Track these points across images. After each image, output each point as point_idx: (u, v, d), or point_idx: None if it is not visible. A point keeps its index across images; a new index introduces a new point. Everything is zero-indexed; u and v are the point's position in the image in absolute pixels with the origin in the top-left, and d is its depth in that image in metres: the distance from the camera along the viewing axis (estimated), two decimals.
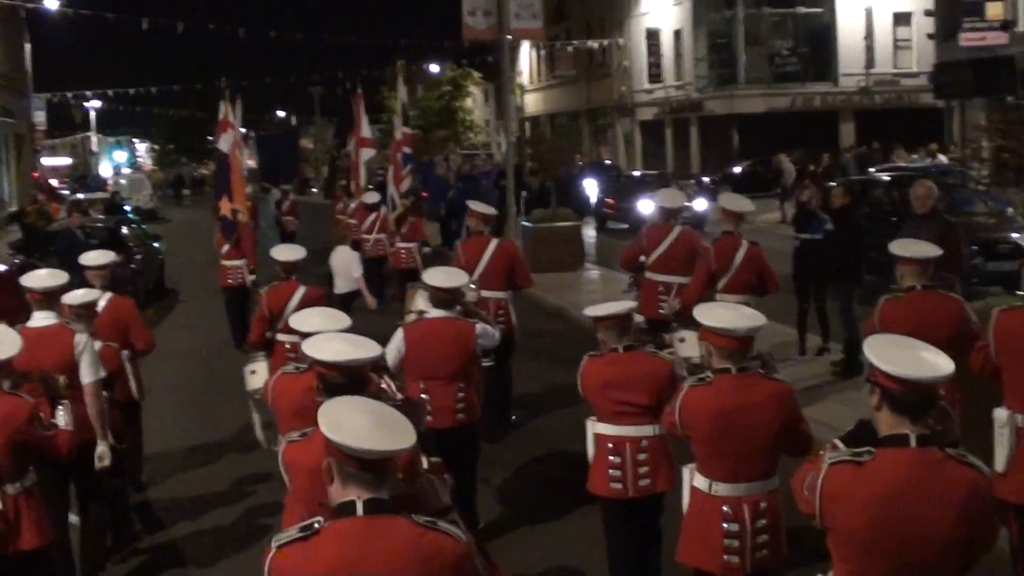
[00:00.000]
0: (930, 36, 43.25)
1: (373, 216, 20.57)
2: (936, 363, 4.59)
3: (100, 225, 24.11)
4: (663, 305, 12.44)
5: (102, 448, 8.69)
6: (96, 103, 79.56)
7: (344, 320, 6.80)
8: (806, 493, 4.72)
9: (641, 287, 13.01)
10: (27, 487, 7.14)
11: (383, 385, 6.73)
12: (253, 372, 9.89)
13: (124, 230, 24.49)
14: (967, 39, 36.78)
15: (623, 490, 7.40)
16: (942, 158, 34.34)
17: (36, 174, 64.79)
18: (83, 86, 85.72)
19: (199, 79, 62.26)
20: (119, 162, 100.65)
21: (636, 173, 43.21)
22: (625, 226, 33.44)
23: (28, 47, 60.11)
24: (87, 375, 8.58)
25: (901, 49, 53.76)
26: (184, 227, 41.14)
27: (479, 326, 9.06)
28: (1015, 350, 7.16)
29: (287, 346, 10.95)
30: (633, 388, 7.31)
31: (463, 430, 9.00)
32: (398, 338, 8.96)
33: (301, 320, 6.73)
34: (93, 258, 11.12)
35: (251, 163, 31.42)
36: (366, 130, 22.61)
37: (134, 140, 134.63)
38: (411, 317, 10.06)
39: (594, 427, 7.61)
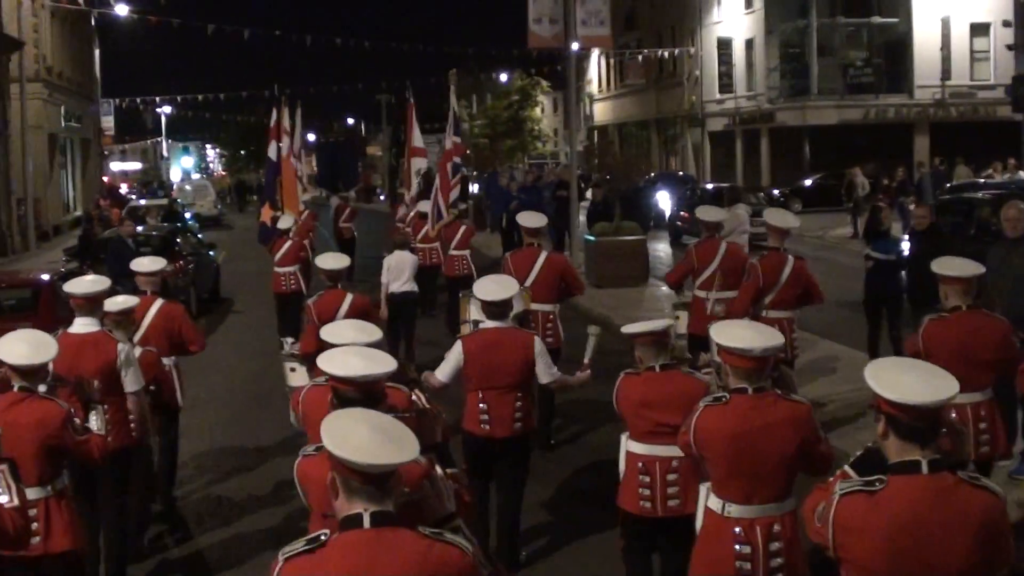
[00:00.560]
0: (1009, 47, 42.83)
1: (428, 226, 20.68)
2: (940, 385, 4.55)
3: (153, 233, 24.31)
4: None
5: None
6: (167, 108, 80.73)
7: (375, 333, 6.83)
8: (818, 524, 4.69)
9: (691, 304, 13.01)
10: (59, 490, 7.30)
11: (413, 398, 6.76)
12: (293, 370, 10.02)
13: (179, 239, 24.49)
14: None
15: (652, 509, 7.43)
16: (1022, 174, 33.85)
17: (107, 179, 66.03)
18: (153, 92, 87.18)
19: (266, 85, 63.02)
20: (187, 167, 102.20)
21: (710, 186, 42.49)
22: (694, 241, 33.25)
23: (97, 53, 61.13)
24: (131, 384, 8.78)
25: (978, 60, 53.19)
26: (246, 234, 41.53)
27: (541, 351, 9.05)
28: None
29: None
30: (668, 408, 7.29)
31: (520, 439, 9.07)
32: (457, 349, 9.04)
33: (332, 332, 6.73)
34: (144, 264, 11.41)
35: (310, 170, 31.66)
36: (418, 139, 22.74)
37: (205, 145, 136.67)
38: (466, 328, 10.16)
39: (627, 444, 7.65)
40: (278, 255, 18.82)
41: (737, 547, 6.10)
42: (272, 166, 21.05)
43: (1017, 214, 11.13)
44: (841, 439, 10.88)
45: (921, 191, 34.17)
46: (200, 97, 67.98)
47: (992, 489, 4.54)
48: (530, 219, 13.03)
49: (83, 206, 48.56)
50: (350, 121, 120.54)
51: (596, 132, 77.01)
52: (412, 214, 22.10)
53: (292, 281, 18.18)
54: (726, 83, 59.65)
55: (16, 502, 6.67)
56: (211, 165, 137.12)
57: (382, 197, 63.18)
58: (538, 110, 76.77)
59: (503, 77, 75.14)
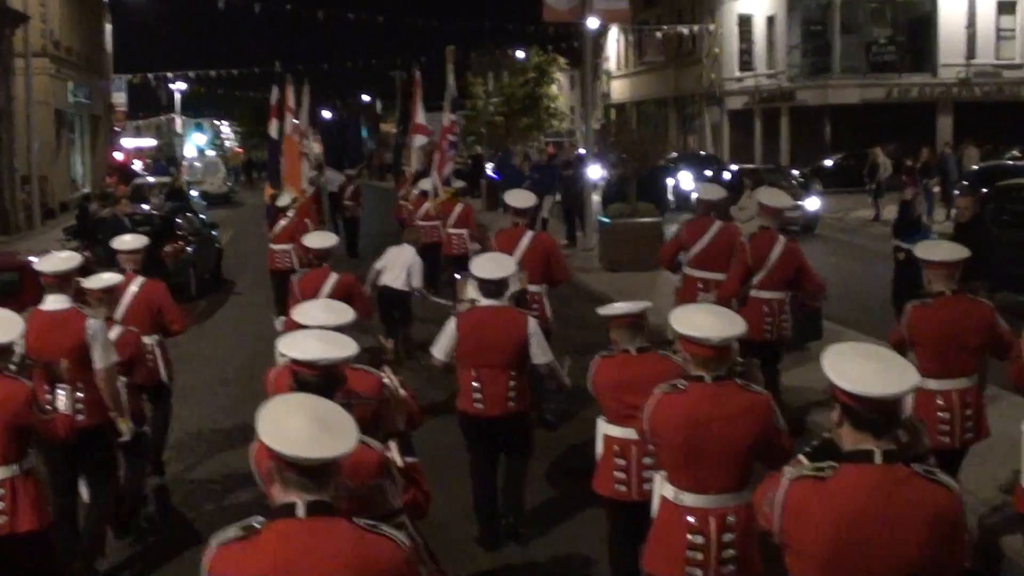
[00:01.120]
0: None
1: (426, 204, 20.78)
2: (898, 377, 4.48)
3: (154, 213, 24.25)
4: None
5: (123, 425, 8.97)
6: (181, 85, 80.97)
7: (346, 314, 6.82)
8: (766, 509, 4.66)
9: (680, 283, 12.99)
10: (26, 470, 7.35)
11: (385, 380, 6.75)
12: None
13: (179, 218, 24.32)
14: None
15: (627, 492, 7.46)
16: None
17: (121, 155, 66.17)
18: (166, 68, 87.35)
19: (279, 61, 63.14)
20: (200, 144, 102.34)
21: (735, 167, 41.44)
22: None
23: (108, 28, 61.17)
24: (99, 360, 8.77)
25: (1004, 39, 52.83)
26: (255, 212, 41.58)
27: (534, 330, 9.08)
28: None
29: None
30: (643, 391, 7.18)
31: (514, 418, 9.12)
32: (451, 326, 9.16)
33: (302, 313, 6.74)
34: (126, 242, 11.45)
35: (317, 148, 31.61)
36: (421, 116, 22.72)
37: (218, 122, 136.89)
38: (463, 306, 10.20)
39: (603, 428, 7.68)
40: (274, 232, 19.01)
41: (689, 536, 6.06)
42: (273, 145, 21.10)
43: None
44: None
45: (945, 172, 33.93)
46: (213, 73, 68.21)
47: (948, 485, 4.47)
48: (517, 198, 13.07)
49: (92, 183, 48.63)
50: (365, 98, 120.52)
51: (613, 110, 76.83)
52: (417, 192, 22.15)
53: (287, 259, 18.21)
54: (746, 61, 59.46)
55: None
56: (227, 142, 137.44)
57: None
58: (554, 87, 76.55)
59: (520, 54, 74.90)
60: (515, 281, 10.14)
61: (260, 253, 20.81)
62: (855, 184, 40.77)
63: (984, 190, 19.09)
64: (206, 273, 24.16)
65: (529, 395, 9.35)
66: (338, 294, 11.55)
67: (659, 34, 64.78)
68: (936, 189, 33.07)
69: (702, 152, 54.86)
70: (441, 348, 9.19)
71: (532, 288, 12.27)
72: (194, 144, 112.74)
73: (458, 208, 19.99)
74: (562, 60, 72.92)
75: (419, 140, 22.34)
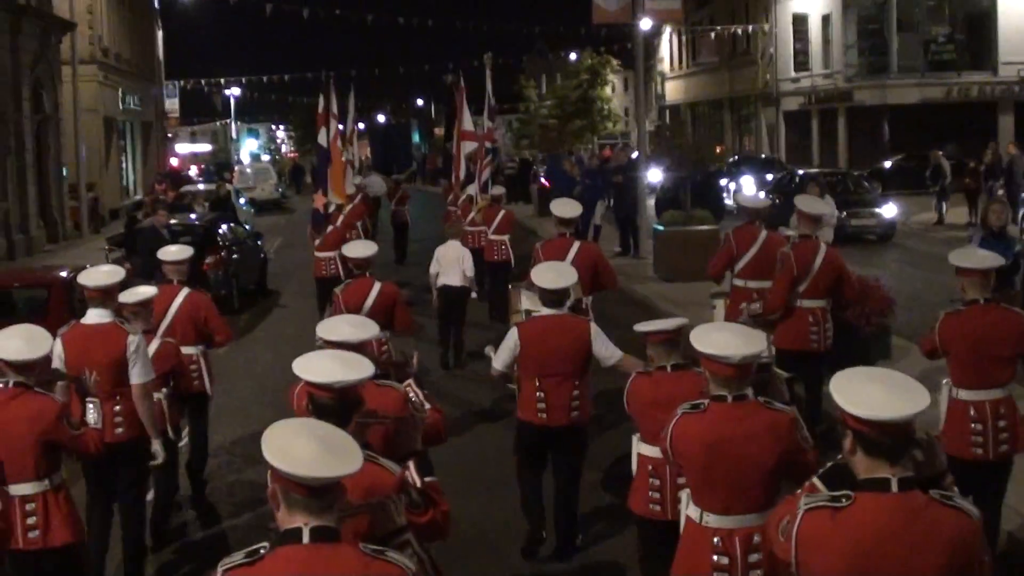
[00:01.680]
0: None
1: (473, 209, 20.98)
2: (909, 399, 4.39)
3: (195, 222, 23.88)
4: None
5: (156, 446, 9.01)
6: (236, 90, 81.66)
7: (371, 328, 6.82)
8: (781, 539, 4.59)
9: (730, 294, 12.89)
10: (56, 484, 7.42)
11: (411, 394, 6.76)
12: None
13: (222, 228, 23.96)
14: None
15: (661, 512, 7.45)
16: None
17: (177, 161, 66.83)
18: (219, 73, 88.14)
19: (331, 66, 63.54)
20: (252, 149, 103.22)
21: (813, 171, 39.29)
22: (791, 232, 30.68)
23: (160, 34, 61.80)
24: (137, 376, 8.85)
25: None
26: (305, 218, 41.75)
27: (596, 332, 9.11)
28: None
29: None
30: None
31: (576, 428, 9.15)
32: (512, 336, 9.19)
33: (328, 329, 6.72)
34: (171, 253, 11.62)
35: (363, 153, 31.78)
36: (468, 123, 22.77)
37: (273, 127, 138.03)
38: (519, 317, 10.22)
39: (638, 446, 7.67)
40: (319, 239, 19.22)
41: (715, 557, 6.03)
42: (323, 152, 21.23)
43: None
44: None
45: (1011, 174, 33.33)
46: (265, 79, 68.71)
47: (966, 510, 4.40)
48: (562, 208, 13.07)
49: (143, 190, 49.13)
50: (419, 102, 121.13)
51: (667, 112, 76.65)
52: (463, 197, 22.33)
53: (332, 266, 18.30)
54: (802, 60, 59.07)
55: None
56: (282, 146, 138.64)
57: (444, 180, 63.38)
58: (608, 89, 76.46)
59: (572, 56, 74.91)
60: (573, 290, 10.17)
61: (308, 261, 20.76)
62: (915, 186, 40.27)
63: None
64: (250, 284, 23.90)
65: (590, 404, 9.37)
66: (381, 304, 11.69)
67: (713, 34, 64.60)
68: (1000, 192, 32.53)
69: (763, 155, 54.30)
70: (501, 359, 9.25)
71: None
72: (246, 150, 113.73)
73: (500, 215, 20.14)
74: (615, 62, 72.82)
75: (467, 146, 22.39)
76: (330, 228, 19.37)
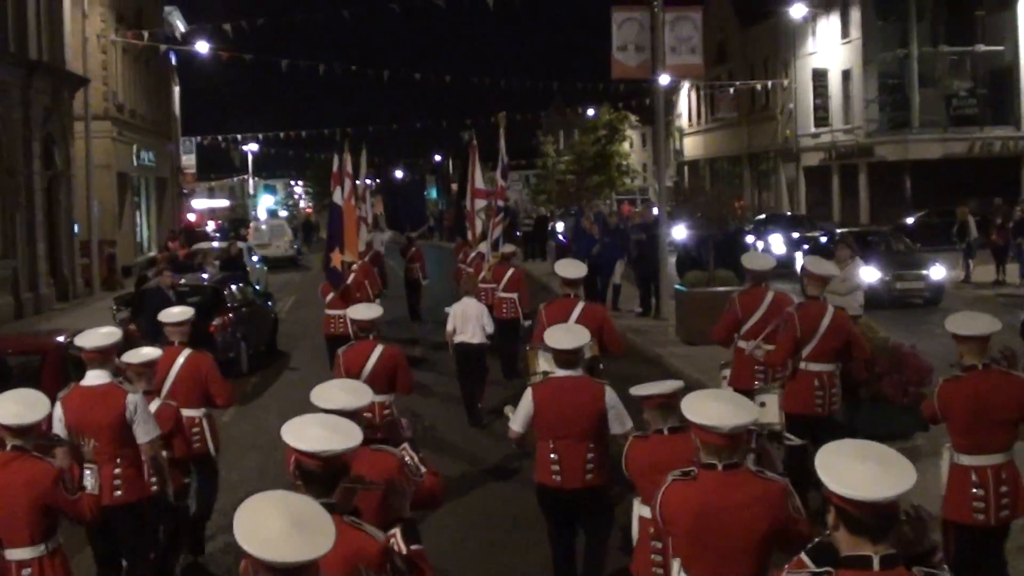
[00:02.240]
0: None
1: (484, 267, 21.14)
2: (894, 478, 4.40)
3: (202, 283, 23.57)
4: (759, 376, 12.29)
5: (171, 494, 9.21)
6: (253, 146, 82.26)
7: (366, 395, 6.87)
8: None
9: (734, 357, 12.87)
10: (52, 549, 7.47)
11: (406, 458, 6.80)
12: None
13: (229, 288, 23.45)
14: None
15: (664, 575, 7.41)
16: None
17: (195, 217, 67.13)
18: (236, 129, 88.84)
19: (347, 123, 64.03)
20: (268, 206, 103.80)
21: (850, 229, 37.99)
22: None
23: (177, 90, 62.36)
24: (142, 435, 8.97)
25: None
26: (321, 276, 41.86)
27: (613, 400, 9.11)
28: None
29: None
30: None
31: (593, 491, 9.12)
32: (527, 398, 9.22)
33: (322, 396, 6.76)
34: (173, 315, 11.66)
35: (375, 211, 31.88)
36: (480, 180, 22.91)
37: (291, 182, 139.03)
38: (536, 378, 10.25)
39: (639, 509, 7.67)
40: (329, 296, 19.53)
41: None
42: (337, 210, 21.39)
43: None
44: None
45: None
46: (282, 134, 69.22)
47: None
48: (568, 268, 13.10)
49: (157, 247, 49.42)
50: (437, 158, 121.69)
51: (686, 167, 76.87)
52: (474, 254, 22.59)
53: (341, 324, 18.40)
54: (822, 116, 59.21)
55: None
56: (300, 201, 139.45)
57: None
58: (626, 145, 76.76)
59: (590, 112, 75.29)
60: (587, 350, 10.20)
61: (320, 321, 20.78)
62: (939, 243, 40.10)
63: None
64: (260, 346, 23.61)
65: (608, 467, 9.33)
66: (383, 367, 11.76)
67: (732, 90, 64.85)
68: None
69: (789, 212, 53.99)
70: (519, 420, 9.26)
71: None
72: (263, 206, 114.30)
73: (509, 272, 20.30)
74: (633, 117, 73.13)
75: (479, 204, 22.55)
76: (342, 286, 19.65)
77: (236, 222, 64.46)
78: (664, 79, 29.16)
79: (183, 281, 22.61)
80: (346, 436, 5.44)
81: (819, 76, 59.18)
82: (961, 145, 52.75)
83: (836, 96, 58.33)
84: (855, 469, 4.40)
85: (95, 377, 9.06)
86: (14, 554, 7.32)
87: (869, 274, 26.25)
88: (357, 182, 23.35)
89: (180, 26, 51.64)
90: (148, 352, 10.13)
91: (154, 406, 9.61)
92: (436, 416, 17.65)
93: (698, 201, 31.54)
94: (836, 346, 11.47)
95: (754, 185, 68.43)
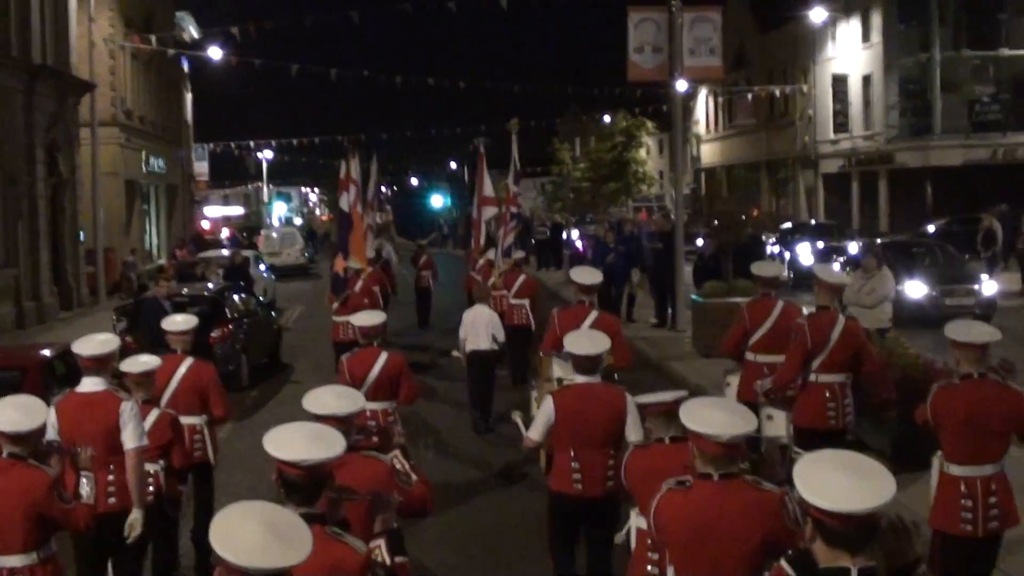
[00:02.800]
0: None
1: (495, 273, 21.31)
2: (873, 490, 4.37)
3: (202, 294, 23.25)
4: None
5: (134, 516, 9.03)
6: (268, 153, 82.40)
7: (357, 401, 6.90)
8: None
9: (742, 369, 12.79)
10: (43, 558, 7.49)
11: (397, 465, 6.83)
12: None
13: (231, 299, 23.24)
14: None
15: None
16: None
17: (209, 224, 67.25)
18: (250, 136, 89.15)
19: (360, 129, 64.25)
20: (281, 213, 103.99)
21: (898, 238, 36.63)
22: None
23: (189, 97, 62.53)
24: (129, 440, 9.01)
25: None
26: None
27: (632, 408, 9.06)
28: None
29: (368, 414, 11.40)
30: None
31: (611, 499, 9.10)
32: (548, 406, 9.20)
33: (312, 400, 6.84)
34: (176, 323, 11.73)
35: (382, 218, 31.99)
36: (488, 188, 22.97)
37: (305, 189, 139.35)
38: (551, 386, 10.25)
39: (636, 520, 7.67)
40: (337, 303, 19.77)
41: None
42: (344, 217, 21.52)
43: None
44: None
45: None
46: (295, 141, 69.39)
47: None
48: (583, 275, 13.12)
49: (167, 255, 49.53)
50: (452, 165, 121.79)
51: (704, 174, 76.81)
52: (482, 262, 22.76)
53: (349, 330, 18.43)
54: (841, 122, 59.08)
55: None
56: (316, 209, 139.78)
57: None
58: (643, 151, 76.74)
59: (607, 118, 75.29)
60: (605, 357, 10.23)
61: (328, 331, 20.75)
62: (961, 251, 39.92)
63: None
64: (262, 358, 23.33)
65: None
66: (387, 374, 11.84)
67: (750, 96, 64.75)
68: None
69: (816, 220, 53.41)
70: (538, 429, 9.24)
71: None
72: (276, 214, 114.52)
73: (520, 279, 20.47)
74: (650, 124, 73.09)
75: (487, 212, 22.58)
76: (349, 293, 19.83)
77: (250, 230, 64.48)
78: (682, 85, 28.78)
79: (185, 291, 22.53)
80: (328, 445, 5.45)
81: (839, 82, 59.07)
82: (983, 151, 52.50)
83: (856, 102, 58.16)
84: (833, 480, 4.38)
85: (91, 384, 9.12)
86: (6, 561, 7.35)
87: (916, 289, 25.97)
88: (369, 188, 23.38)
89: (193, 31, 51.72)
90: (147, 361, 10.13)
91: (152, 416, 9.65)
92: (444, 422, 17.86)
93: (715, 208, 31.22)
94: (847, 357, 11.31)
95: (772, 192, 68.31)
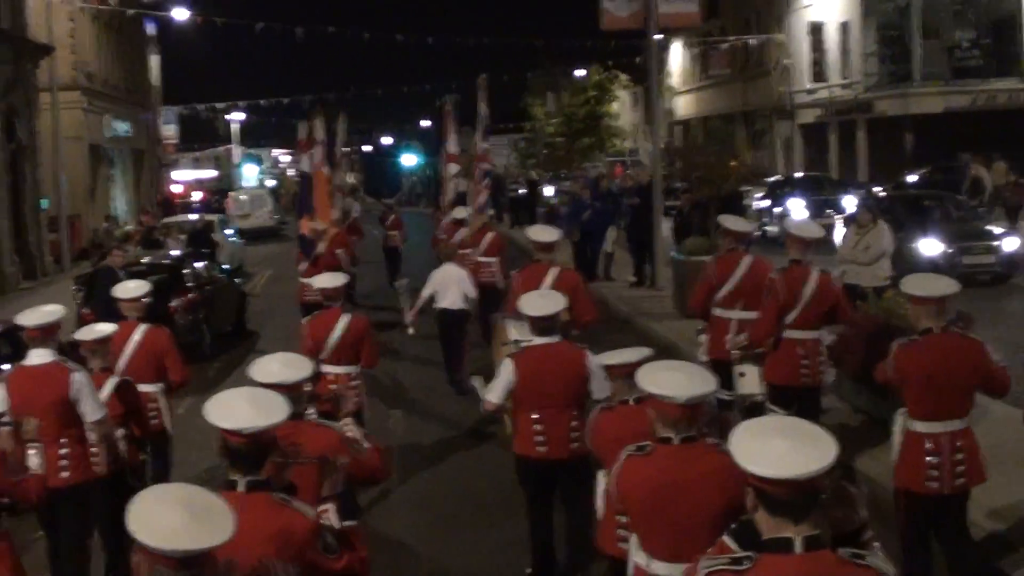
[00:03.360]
0: None
1: (461, 231, 21.26)
2: (813, 454, 4.21)
3: (161, 261, 23.01)
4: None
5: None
6: (239, 115, 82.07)
7: (305, 368, 6.81)
8: None
9: (710, 325, 12.68)
10: None
11: (348, 433, 6.76)
12: None
13: (197, 264, 23.08)
14: None
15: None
16: None
17: (182, 187, 66.96)
18: (218, 98, 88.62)
19: (330, 88, 63.89)
20: (253, 175, 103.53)
21: (905, 192, 35.44)
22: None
23: (155, 59, 62.06)
24: (90, 413, 8.92)
25: None
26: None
27: (595, 366, 8.97)
28: None
29: (330, 377, 11.36)
30: None
31: (577, 460, 9.06)
32: (507, 368, 9.15)
33: (258, 369, 6.71)
34: (127, 289, 11.63)
35: (351, 178, 31.95)
36: (453, 145, 22.86)
37: (275, 151, 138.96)
38: (508, 349, 10.16)
39: (604, 483, 7.56)
40: (303, 264, 19.67)
41: None
42: (306, 178, 21.40)
43: None
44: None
45: None
46: (263, 102, 69.06)
47: (879, 568, 4.28)
48: (541, 233, 13.07)
49: (135, 221, 49.21)
50: (425, 123, 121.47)
51: (679, 127, 76.60)
52: (447, 219, 22.52)
53: (316, 291, 18.39)
54: (818, 71, 58.87)
55: None
56: (288, 171, 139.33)
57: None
58: (615, 105, 76.49)
59: (579, 72, 74.92)
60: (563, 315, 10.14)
61: (296, 295, 20.57)
62: None
63: None
64: (225, 326, 23.09)
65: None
66: (349, 338, 11.77)
67: (725, 46, 64.51)
68: None
69: (813, 173, 52.84)
70: (497, 391, 9.21)
71: None
72: (245, 176, 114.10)
73: (488, 236, 20.32)
74: (624, 77, 72.80)
75: (452, 169, 22.43)
76: (318, 254, 19.69)
77: (224, 192, 64.14)
78: (657, 33, 28.20)
79: (145, 260, 22.28)
80: (271, 411, 5.36)
81: (815, 29, 58.79)
82: (964, 98, 52.18)
83: (833, 50, 57.89)
84: (770, 446, 4.23)
85: (38, 356, 9.05)
86: None
87: (930, 247, 24.43)
88: (325, 151, 23.12)
89: None
90: (102, 328, 10.09)
91: (109, 385, 9.54)
92: (413, 381, 17.95)
93: (694, 162, 30.67)
94: (821, 312, 11.24)
95: (748, 144, 68.14)
